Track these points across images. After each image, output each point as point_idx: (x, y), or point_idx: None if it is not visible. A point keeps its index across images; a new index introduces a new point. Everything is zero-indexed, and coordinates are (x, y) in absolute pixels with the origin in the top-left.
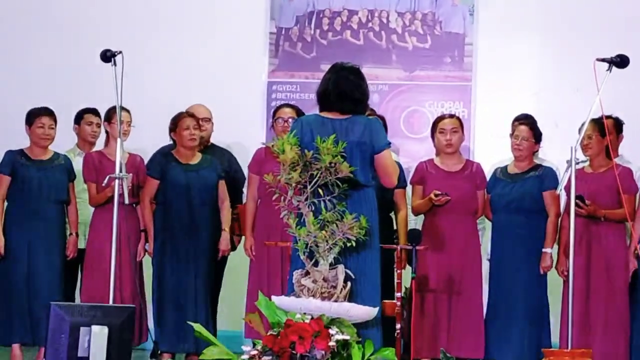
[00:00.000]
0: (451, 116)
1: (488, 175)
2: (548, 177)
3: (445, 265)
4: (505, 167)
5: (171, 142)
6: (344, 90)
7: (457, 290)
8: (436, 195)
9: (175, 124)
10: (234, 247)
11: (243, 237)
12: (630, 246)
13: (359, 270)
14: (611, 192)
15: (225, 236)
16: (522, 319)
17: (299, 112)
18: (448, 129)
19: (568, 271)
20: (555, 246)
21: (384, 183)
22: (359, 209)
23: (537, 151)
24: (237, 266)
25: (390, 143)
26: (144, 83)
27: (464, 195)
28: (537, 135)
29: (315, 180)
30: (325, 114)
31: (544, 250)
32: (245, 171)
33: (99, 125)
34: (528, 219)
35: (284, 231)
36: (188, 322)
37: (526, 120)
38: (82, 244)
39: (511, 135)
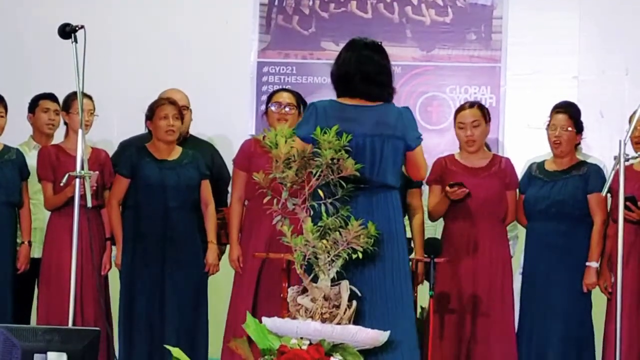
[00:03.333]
0: (471, 106)
1: (521, 173)
2: (594, 177)
3: (468, 280)
4: (543, 163)
5: (146, 131)
6: (370, 72)
7: (483, 311)
8: (451, 186)
9: (153, 111)
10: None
11: (227, 246)
12: None
13: (371, 285)
14: None
15: (213, 249)
16: (562, 345)
17: (300, 99)
18: (468, 123)
19: (613, 287)
20: None
21: (413, 176)
22: (385, 214)
23: (579, 143)
24: (220, 280)
25: (421, 136)
26: (110, 64)
27: (491, 196)
28: (578, 125)
29: (314, 179)
30: (345, 100)
31: (588, 264)
32: (230, 168)
33: (57, 113)
34: (570, 227)
35: (277, 240)
36: (165, 345)
37: (564, 109)
38: (37, 254)
39: (547, 126)
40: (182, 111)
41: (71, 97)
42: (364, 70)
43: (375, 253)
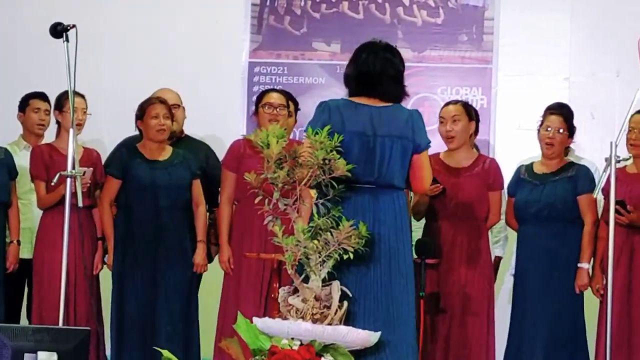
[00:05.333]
0: (455, 103)
1: (510, 174)
2: (583, 179)
3: (445, 281)
4: (531, 166)
5: (137, 132)
6: (392, 74)
7: (459, 311)
8: None
9: (143, 110)
10: (210, 259)
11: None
12: None
13: (374, 286)
14: None
15: (201, 248)
16: (554, 346)
17: (290, 99)
18: (448, 118)
19: (605, 289)
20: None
21: (415, 187)
22: (391, 214)
23: (569, 146)
24: (215, 281)
25: (430, 142)
26: (101, 64)
27: (470, 196)
28: (570, 128)
29: (306, 180)
30: (360, 100)
31: (579, 265)
32: None
33: (47, 113)
34: (561, 229)
35: (269, 241)
36: (155, 347)
37: (558, 110)
38: (26, 254)
39: (540, 127)
40: (172, 110)
41: (64, 96)
42: (387, 72)
43: (381, 253)
